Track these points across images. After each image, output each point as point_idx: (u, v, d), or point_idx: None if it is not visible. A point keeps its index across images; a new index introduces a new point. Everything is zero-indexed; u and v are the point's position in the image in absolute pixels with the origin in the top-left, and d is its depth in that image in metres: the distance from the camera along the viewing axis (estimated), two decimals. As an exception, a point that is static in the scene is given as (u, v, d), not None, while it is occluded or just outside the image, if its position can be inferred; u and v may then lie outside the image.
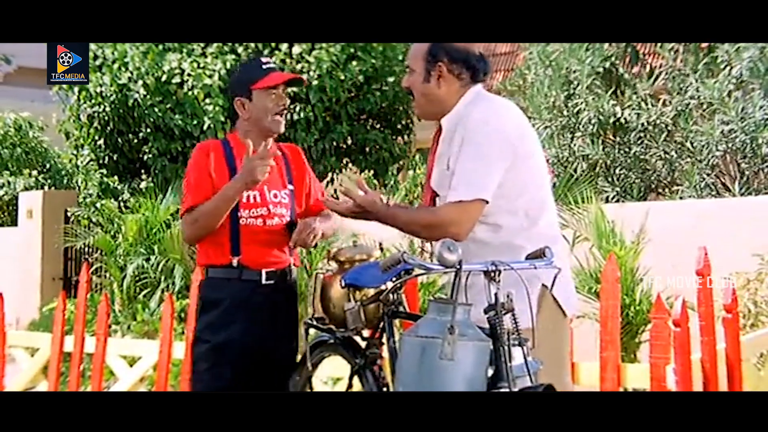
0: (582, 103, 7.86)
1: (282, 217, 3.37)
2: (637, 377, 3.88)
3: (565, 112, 8.07)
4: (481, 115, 2.90)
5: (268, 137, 3.30)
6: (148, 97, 8.70)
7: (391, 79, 9.19)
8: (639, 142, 7.74)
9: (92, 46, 8.90)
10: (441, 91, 3.00)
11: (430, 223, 2.92)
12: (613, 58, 8.07)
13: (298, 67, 8.73)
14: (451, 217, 2.85)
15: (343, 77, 8.71)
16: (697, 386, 3.72)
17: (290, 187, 3.43)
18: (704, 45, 7.73)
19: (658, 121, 7.57)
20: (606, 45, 8.00)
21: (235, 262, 3.31)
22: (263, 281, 3.33)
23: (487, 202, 2.85)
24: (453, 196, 2.85)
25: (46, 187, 11.99)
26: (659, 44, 7.86)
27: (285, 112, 3.36)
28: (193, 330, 3.50)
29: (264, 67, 3.37)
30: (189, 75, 8.66)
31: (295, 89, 8.59)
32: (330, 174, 9.50)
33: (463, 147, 2.87)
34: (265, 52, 8.85)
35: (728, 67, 7.30)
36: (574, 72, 8.03)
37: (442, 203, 2.96)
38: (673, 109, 7.54)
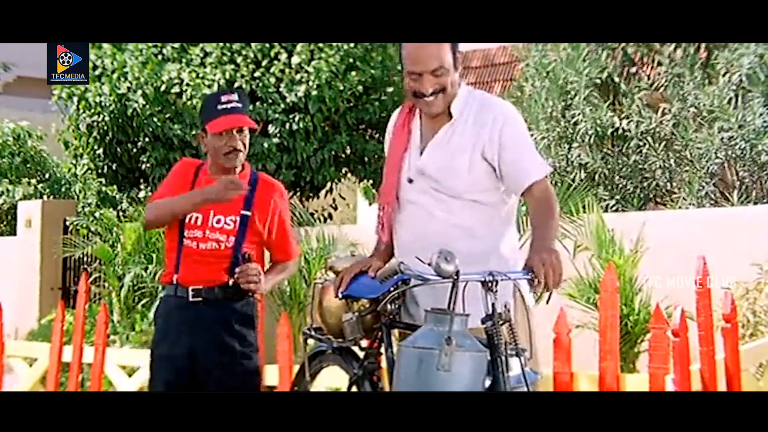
0: (579, 114, 7.86)
1: (219, 242, 3.40)
2: (636, 387, 3.86)
3: (562, 123, 8.07)
4: (505, 103, 3.06)
5: (226, 172, 3.43)
6: (147, 106, 8.71)
7: (390, 90, 9.20)
8: (638, 151, 7.73)
9: (92, 56, 8.91)
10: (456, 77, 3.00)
11: (554, 204, 2.95)
12: (610, 68, 8.05)
13: (297, 77, 8.74)
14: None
15: (342, 87, 8.72)
16: (696, 396, 3.71)
17: (245, 212, 3.42)
18: (702, 52, 7.71)
19: (657, 129, 7.55)
20: (603, 56, 7.97)
21: (174, 279, 3.44)
22: (190, 298, 3.39)
23: None
24: (540, 172, 2.94)
25: (44, 197, 11.98)
26: (657, 51, 7.84)
27: (237, 151, 3.40)
28: None
29: (219, 107, 3.40)
30: (188, 85, 8.68)
31: (294, 99, 8.62)
32: (329, 184, 9.50)
33: (507, 129, 2.95)
34: (264, 62, 8.86)
35: (727, 74, 7.28)
36: (572, 83, 8.02)
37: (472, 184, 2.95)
38: (672, 118, 7.52)
